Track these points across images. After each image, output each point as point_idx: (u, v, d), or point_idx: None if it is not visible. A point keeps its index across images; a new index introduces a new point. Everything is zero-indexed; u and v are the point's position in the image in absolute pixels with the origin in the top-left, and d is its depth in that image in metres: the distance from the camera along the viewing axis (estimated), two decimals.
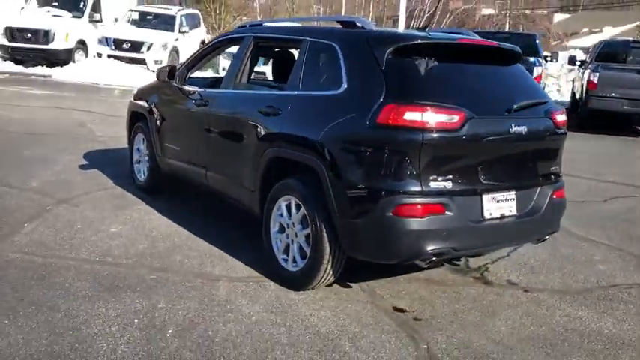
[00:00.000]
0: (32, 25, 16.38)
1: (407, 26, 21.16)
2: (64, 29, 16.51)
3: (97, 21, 17.78)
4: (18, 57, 16.56)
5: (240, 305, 3.63)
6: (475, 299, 3.96)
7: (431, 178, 3.35)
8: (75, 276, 3.90)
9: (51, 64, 16.42)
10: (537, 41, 13.49)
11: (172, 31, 17.25)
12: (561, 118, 3.94)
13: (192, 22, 18.75)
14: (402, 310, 3.73)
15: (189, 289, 3.82)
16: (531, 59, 11.68)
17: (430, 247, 3.38)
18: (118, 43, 16.34)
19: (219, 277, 4.04)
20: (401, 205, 3.29)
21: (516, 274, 4.42)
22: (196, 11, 20.57)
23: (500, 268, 4.52)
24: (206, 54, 5.40)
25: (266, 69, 7.85)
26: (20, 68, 16.38)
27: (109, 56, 16.28)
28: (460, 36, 4.18)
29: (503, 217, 3.66)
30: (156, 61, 16.12)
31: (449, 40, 3.77)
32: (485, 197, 3.58)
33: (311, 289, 3.84)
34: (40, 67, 16.43)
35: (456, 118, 3.33)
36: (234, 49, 5.20)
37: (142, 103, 5.90)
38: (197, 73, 5.99)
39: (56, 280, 3.82)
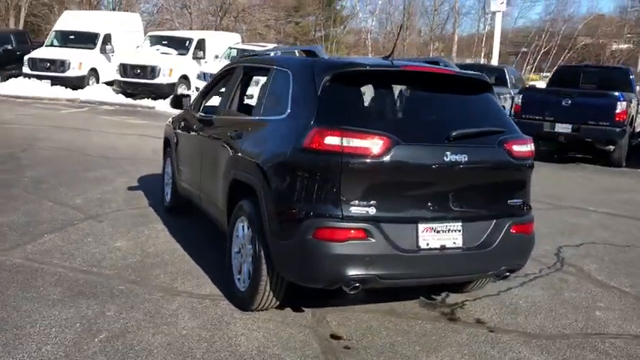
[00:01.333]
0: (141, 62, 17.98)
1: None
2: (169, 65, 17.93)
3: (200, 58, 19.10)
4: (128, 90, 18.17)
5: (181, 320, 3.76)
6: (425, 334, 3.79)
7: (352, 203, 3.31)
8: (54, 282, 4.25)
9: (156, 97, 17.82)
10: (631, 75, 12.58)
11: None
12: (520, 148, 3.72)
13: None
14: (338, 338, 3.67)
15: (145, 301, 4.02)
16: (616, 94, 10.92)
17: (351, 273, 3.33)
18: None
19: (180, 293, 4.21)
20: (321, 228, 3.29)
21: (492, 314, 4.16)
22: (294, 49, 21.41)
23: (478, 306, 4.28)
24: (215, 83, 5.71)
25: None
26: (129, 101, 17.94)
27: None
28: (415, 63, 4.11)
29: (444, 248, 3.51)
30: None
31: (387, 67, 3.73)
32: (422, 226, 3.47)
33: (260, 310, 3.89)
34: (146, 99, 17.89)
35: (379, 144, 3.29)
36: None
37: (170, 129, 6.32)
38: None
39: (35, 284, 4.18)
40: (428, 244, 3.47)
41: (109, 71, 18.95)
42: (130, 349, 3.33)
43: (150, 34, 20.39)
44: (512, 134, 3.76)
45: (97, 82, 19.44)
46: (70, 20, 20.82)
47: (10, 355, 3.18)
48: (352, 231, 3.29)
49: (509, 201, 3.74)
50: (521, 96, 11.89)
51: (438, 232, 3.50)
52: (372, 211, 3.34)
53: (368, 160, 3.29)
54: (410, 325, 3.93)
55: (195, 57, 18.99)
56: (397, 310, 4.15)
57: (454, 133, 3.49)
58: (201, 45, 19.47)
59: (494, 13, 25.77)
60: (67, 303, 3.91)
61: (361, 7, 43.84)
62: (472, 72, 4.02)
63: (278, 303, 3.85)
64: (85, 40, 19.71)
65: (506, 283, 4.57)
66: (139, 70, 17.93)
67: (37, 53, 19.15)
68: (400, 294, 4.26)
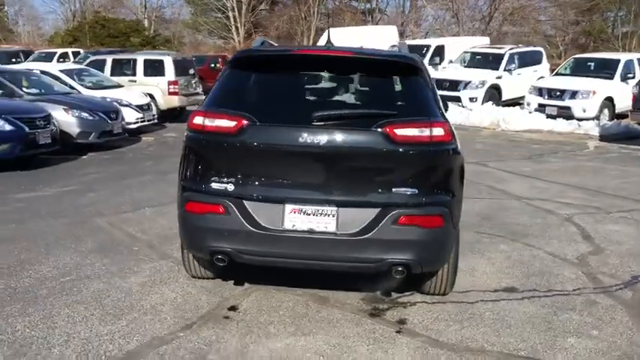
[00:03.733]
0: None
1: None
2: None
3: (436, 64, 19.31)
4: None
5: (139, 275, 4.44)
6: (320, 320, 3.75)
7: (213, 179, 3.53)
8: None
9: None
10: None
11: (497, 69, 17.39)
12: (405, 132, 3.38)
13: (527, 60, 18.39)
14: (233, 309, 3.90)
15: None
16: None
17: (211, 244, 3.56)
18: (439, 83, 17.48)
19: (166, 257, 4.88)
20: (189, 201, 3.60)
21: (448, 325, 3.75)
22: (539, 48, 19.97)
23: (439, 317, 3.86)
24: None
25: None
26: None
27: None
28: (316, 47, 3.99)
29: (313, 231, 3.46)
30: (470, 99, 16.62)
31: (281, 52, 3.76)
32: (289, 207, 3.48)
33: (202, 278, 4.30)
34: None
35: (232, 124, 3.45)
36: None
37: None
38: None
39: None
40: (294, 226, 3.47)
41: None
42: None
43: (393, 43, 21.33)
44: (404, 118, 3.44)
45: None
46: (332, 37, 23.09)
47: None
48: (210, 205, 3.52)
49: (394, 189, 3.44)
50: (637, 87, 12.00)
51: (308, 214, 3.46)
52: (231, 187, 3.50)
53: (223, 139, 3.48)
54: (318, 311, 3.89)
55: (432, 63, 19.26)
56: (327, 298, 4.11)
57: (315, 115, 3.42)
58: (439, 51, 19.64)
59: None
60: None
61: None
62: (388, 54, 3.77)
63: (211, 273, 4.20)
64: None
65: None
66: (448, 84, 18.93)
67: None
68: (363, 286, 4.19)
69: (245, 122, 3.45)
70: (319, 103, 3.67)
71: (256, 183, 3.50)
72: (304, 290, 4.19)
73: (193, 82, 16.01)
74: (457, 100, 16.79)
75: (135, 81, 14.58)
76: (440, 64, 19.31)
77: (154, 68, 14.94)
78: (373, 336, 3.55)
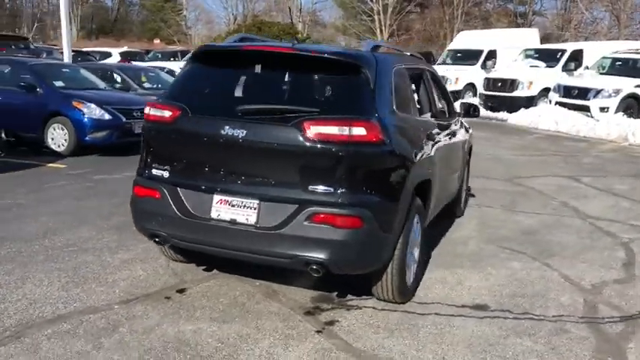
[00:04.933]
0: (503, 76, 18.25)
1: None
2: (529, 78, 17.62)
3: (571, 70, 17.98)
4: (489, 103, 18.66)
5: (130, 249, 4.84)
6: (256, 312, 3.84)
7: (154, 165, 3.77)
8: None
9: (512, 110, 17.79)
10: None
11: (638, 77, 15.73)
12: (320, 130, 3.32)
13: None
14: (181, 291, 4.12)
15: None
16: None
17: (148, 227, 3.80)
18: (567, 90, 16.24)
19: None
20: (135, 185, 3.88)
21: (376, 332, 3.62)
22: None
23: (374, 324, 3.73)
24: None
25: None
26: (487, 113, 18.44)
27: (557, 103, 16.37)
28: (262, 43, 3.98)
29: (234, 222, 3.56)
30: (601, 109, 15.26)
31: (232, 48, 3.86)
32: (217, 197, 3.61)
33: (176, 261, 4.59)
34: (502, 112, 18.05)
35: (168, 114, 3.67)
36: None
37: None
38: None
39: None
40: (219, 215, 3.59)
41: None
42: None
43: (525, 48, 20.20)
44: (324, 115, 3.40)
45: (475, 95, 20.47)
46: (463, 40, 22.51)
47: None
48: (150, 190, 3.76)
49: (310, 187, 3.41)
50: None
51: (233, 205, 3.57)
52: (167, 174, 3.71)
53: (161, 127, 3.71)
54: (258, 302, 3.97)
55: (566, 69, 17.99)
56: (278, 292, 4.17)
57: (239, 108, 3.51)
58: (577, 56, 18.27)
59: None
60: None
61: None
62: (330, 51, 3.70)
63: (180, 257, 4.47)
64: (470, 57, 21.07)
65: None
66: (500, 84, 18.21)
67: None
68: (321, 282, 4.16)
69: (179, 113, 3.64)
70: (252, 97, 3.73)
71: (188, 172, 3.67)
72: (264, 282, 4.28)
73: None
74: (586, 109, 15.51)
75: None
76: (575, 69, 17.93)
77: None
78: (288, 332, 3.55)
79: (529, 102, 17.40)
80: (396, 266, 3.79)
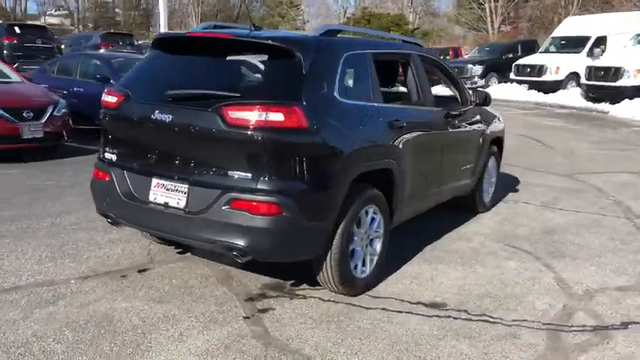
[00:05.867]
0: (606, 64, 16.85)
1: None
2: (635, 66, 16.15)
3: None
4: (590, 94, 17.34)
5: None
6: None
7: (107, 148, 3.94)
8: None
9: (616, 101, 16.39)
10: None
11: None
12: (238, 115, 3.27)
13: None
14: (142, 271, 4.29)
15: None
16: None
17: (99, 207, 4.00)
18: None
19: None
20: (94, 167, 4.09)
21: (303, 323, 3.54)
22: None
23: (307, 314, 3.66)
24: None
25: None
26: (587, 104, 17.15)
27: None
28: (205, 31, 3.94)
29: (167, 205, 3.64)
30: None
31: (176, 35, 3.92)
32: (155, 181, 3.70)
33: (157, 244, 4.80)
34: (603, 103, 16.69)
35: (114, 100, 3.82)
36: None
37: None
38: None
39: None
40: (155, 199, 3.69)
41: None
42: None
43: (637, 32, 18.39)
44: (244, 100, 3.36)
45: (578, 85, 19.13)
46: (570, 26, 21.02)
47: None
48: (102, 172, 3.94)
49: (230, 172, 3.40)
50: None
51: (168, 189, 3.64)
52: (115, 158, 3.87)
53: (110, 112, 3.87)
54: (205, 286, 4.04)
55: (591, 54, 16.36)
56: (232, 277, 4.21)
57: (168, 93, 3.57)
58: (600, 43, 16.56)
59: None
60: None
61: None
62: (267, 36, 3.63)
63: (157, 238, 4.65)
64: (575, 44, 19.68)
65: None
66: (602, 72, 16.84)
67: (523, 60, 20.39)
68: (275, 269, 4.20)
69: (122, 98, 3.78)
70: (187, 83, 3.75)
71: (132, 156, 3.80)
72: (226, 267, 4.34)
73: None
74: None
75: None
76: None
77: None
78: (216, 316, 3.58)
79: (636, 92, 15.91)
80: (335, 257, 3.68)
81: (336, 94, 3.65)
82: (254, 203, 3.33)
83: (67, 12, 60.76)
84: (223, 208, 3.39)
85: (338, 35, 4.13)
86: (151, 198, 3.69)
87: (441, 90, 8.59)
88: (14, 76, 9.36)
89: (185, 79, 3.76)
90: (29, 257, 4.44)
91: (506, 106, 18.05)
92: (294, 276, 4.15)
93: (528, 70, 19.68)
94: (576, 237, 5.48)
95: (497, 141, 6.33)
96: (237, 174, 3.38)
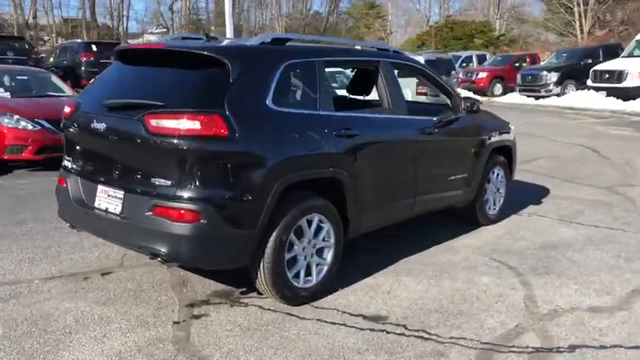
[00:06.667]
0: None
1: None
2: None
3: None
4: None
5: None
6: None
7: (67, 157, 4.17)
8: None
9: None
10: None
11: None
12: (160, 123, 3.35)
13: None
14: (105, 274, 4.48)
15: None
16: None
17: (59, 211, 4.22)
18: None
19: None
20: (59, 175, 4.33)
21: (221, 332, 3.60)
22: None
23: (234, 320, 3.79)
24: None
25: None
26: None
27: None
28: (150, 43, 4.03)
29: (107, 211, 3.80)
30: None
31: (124, 47, 4.06)
32: (100, 187, 3.88)
33: None
34: None
35: (68, 109, 4.06)
36: None
37: None
38: None
39: None
40: (99, 204, 3.85)
41: None
42: None
43: None
44: (167, 109, 3.44)
45: None
46: None
47: None
48: (61, 179, 4.17)
49: (153, 179, 3.49)
50: None
51: (109, 195, 3.79)
52: (70, 165, 4.09)
53: (65, 121, 4.09)
54: (156, 291, 4.15)
55: None
56: (187, 282, 4.30)
57: (104, 103, 3.73)
58: None
59: None
60: None
61: None
62: (198, 47, 3.68)
63: None
64: None
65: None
66: None
67: (601, 65, 19.24)
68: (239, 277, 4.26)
69: (74, 108, 4.00)
70: (124, 92, 3.86)
71: (83, 163, 3.99)
72: (187, 274, 4.43)
73: (452, 81, 15.96)
74: None
75: None
76: None
77: None
78: (147, 320, 3.65)
79: None
80: (268, 265, 3.68)
81: (268, 102, 3.66)
82: (173, 210, 3.40)
83: (165, 29, 64.28)
84: (147, 214, 3.48)
85: (287, 44, 4.13)
86: (97, 204, 3.85)
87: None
88: (67, 91, 10.04)
89: (125, 88, 3.91)
90: (13, 258, 4.75)
91: (577, 114, 17.16)
92: (248, 284, 4.17)
93: (607, 76, 18.52)
94: (577, 253, 5.12)
95: (504, 151, 6.04)
96: (159, 181, 3.47)
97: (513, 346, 3.44)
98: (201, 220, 3.38)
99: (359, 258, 4.86)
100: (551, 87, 20.50)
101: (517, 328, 3.68)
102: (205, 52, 3.63)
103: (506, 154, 6.09)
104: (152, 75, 3.84)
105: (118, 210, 3.69)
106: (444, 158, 5.13)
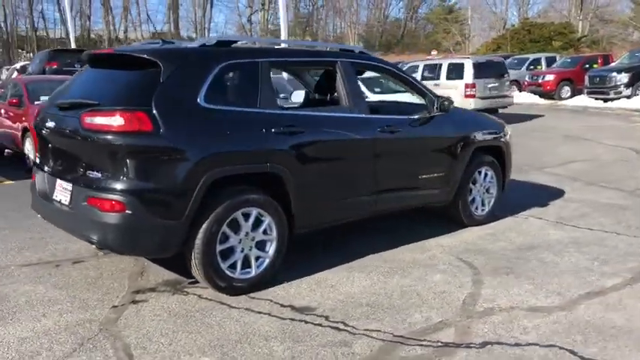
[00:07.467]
0: None
1: None
2: None
3: None
4: None
5: None
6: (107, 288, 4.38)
7: (36, 153, 4.58)
8: None
9: None
10: None
11: None
12: (92, 120, 3.63)
13: None
14: (77, 262, 4.84)
15: None
16: None
17: (32, 204, 4.61)
18: None
19: None
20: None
21: (156, 316, 3.84)
22: None
23: (173, 309, 3.98)
24: None
25: None
26: None
27: None
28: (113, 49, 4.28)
29: (61, 202, 4.13)
30: None
31: (87, 53, 4.37)
32: (58, 181, 4.23)
33: None
34: None
35: (36, 110, 4.46)
36: None
37: None
38: None
39: None
40: (57, 197, 4.21)
41: None
42: None
43: None
44: (104, 107, 3.71)
45: None
46: None
47: None
48: (33, 175, 4.58)
49: (88, 172, 3.78)
50: None
51: (63, 188, 4.14)
52: (38, 161, 4.48)
53: (34, 121, 4.50)
54: (114, 281, 4.46)
55: None
56: (150, 271, 4.57)
57: (56, 103, 4.08)
58: None
59: None
60: None
61: None
62: (139, 50, 3.95)
63: None
64: None
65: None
66: None
67: None
68: None
69: (41, 109, 4.38)
70: (75, 93, 4.19)
71: (46, 159, 4.37)
72: (150, 264, 4.70)
73: (504, 84, 15.56)
74: None
75: (438, 84, 15.17)
76: None
77: (456, 72, 15.24)
78: (89, 302, 3.94)
79: None
80: (198, 256, 3.86)
81: (200, 100, 3.85)
82: (103, 200, 3.67)
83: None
84: (83, 204, 3.78)
85: (233, 45, 4.32)
86: (55, 196, 4.20)
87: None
88: None
89: (79, 90, 4.24)
90: (4, 246, 5.21)
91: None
92: None
93: None
94: (552, 255, 4.96)
95: (494, 151, 5.92)
96: (92, 173, 3.76)
97: (424, 340, 3.43)
98: (127, 211, 3.62)
99: (320, 253, 4.95)
100: (621, 89, 19.40)
101: (440, 323, 3.66)
102: (143, 55, 3.89)
103: (497, 154, 5.96)
104: (101, 77, 4.16)
105: (67, 201, 4.01)
106: (413, 156, 5.12)
